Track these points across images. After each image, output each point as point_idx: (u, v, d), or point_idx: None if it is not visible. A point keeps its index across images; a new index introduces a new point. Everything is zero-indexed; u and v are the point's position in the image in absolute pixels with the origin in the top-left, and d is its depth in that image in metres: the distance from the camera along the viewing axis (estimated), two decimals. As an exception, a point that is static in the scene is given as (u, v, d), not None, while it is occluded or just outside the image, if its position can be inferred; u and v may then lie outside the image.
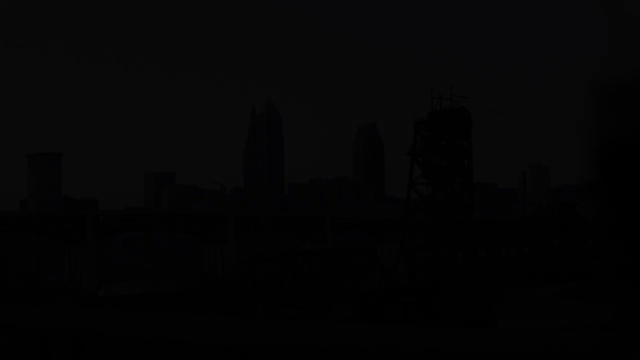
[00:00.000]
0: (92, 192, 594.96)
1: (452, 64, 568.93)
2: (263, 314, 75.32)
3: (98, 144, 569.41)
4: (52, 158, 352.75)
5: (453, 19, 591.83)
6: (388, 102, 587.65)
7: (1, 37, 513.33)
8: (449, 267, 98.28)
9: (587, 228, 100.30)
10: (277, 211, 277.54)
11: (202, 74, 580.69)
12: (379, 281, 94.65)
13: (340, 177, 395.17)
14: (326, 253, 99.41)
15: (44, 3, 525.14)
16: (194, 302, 77.70)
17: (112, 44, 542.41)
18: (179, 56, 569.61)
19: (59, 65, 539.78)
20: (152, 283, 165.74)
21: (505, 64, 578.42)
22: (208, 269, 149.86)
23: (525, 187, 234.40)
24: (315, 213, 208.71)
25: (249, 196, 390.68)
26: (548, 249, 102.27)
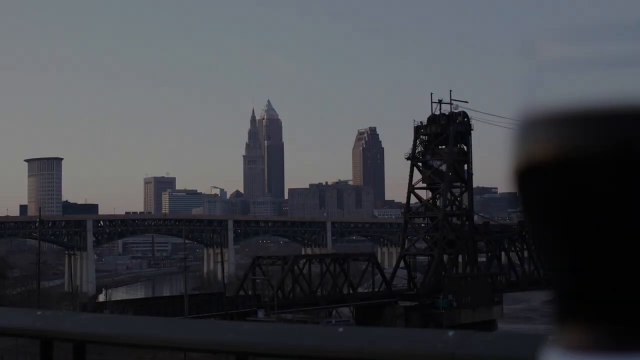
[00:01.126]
0: (92, 197, 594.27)
1: (452, 67, 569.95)
2: (263, 318, 75.26)
3: (98, 148, 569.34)
4: (52, 162, 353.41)
5: (454, 21, 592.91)
6: (388, 106, 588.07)
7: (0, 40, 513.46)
8: (448, 272, 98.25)
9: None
10: (277, 216, 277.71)
11: (200, 77, 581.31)
12: (379, 286, 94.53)
13: (340, 182, 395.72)
14: (326, 257, 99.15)
15: (42, 6, 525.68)
16: (194, 306, 77.50)
17: (111, 47, 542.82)
18: (177, 60, 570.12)
19: (58, 69, 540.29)
20: (152, 288, 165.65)
21: (506, 66, 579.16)
22: (208, 273, 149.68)
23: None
24: (315, 217, 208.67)
25: (249, 200, 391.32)
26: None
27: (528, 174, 0.63)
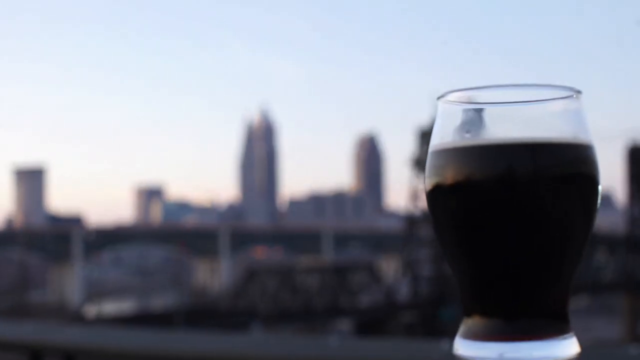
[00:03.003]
0: (80, 207, 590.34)
1: (455, 69, 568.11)
2: (259, 331, 71.40)
3: (85, 157, 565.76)
4: (38, 173, 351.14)
5: (455, 22, 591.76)
6: (388, 110, 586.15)
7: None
8: (452, 282, 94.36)
9: (597, 242, 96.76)
10: (273, 225, 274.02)
11: (192, 82, 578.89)
12: (379, 297, 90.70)
13: (339, 189, 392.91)
14: (324, 268, 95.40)
15: (26, 4, 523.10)
16: (186, 319, 74.00)
17: (100, 53, 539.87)
18: (169, 65, 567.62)
19: (46, 76, 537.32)
20: (142, 300, 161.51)
21: (510, 66, 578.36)
22: (201, 285, 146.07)
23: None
24: (313, 227, 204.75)
25: (244, 209, 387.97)
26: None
27: (436, 193, 0.84)
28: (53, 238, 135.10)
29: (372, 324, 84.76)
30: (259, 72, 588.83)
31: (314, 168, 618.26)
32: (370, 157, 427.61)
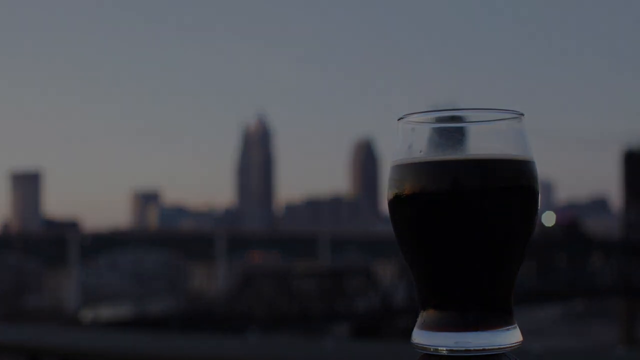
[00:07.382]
0: (76, 212, 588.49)
1: (451, 72, 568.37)
2: (255, 336, 70.98)
3: (81, 161, 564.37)
4: (34, 178, 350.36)
5: (452, 25, 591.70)
6: (384, 115, 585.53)
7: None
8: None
9: (593, 246, 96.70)
10: (270, 229, 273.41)
11: (187, 86, 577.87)
12: (376, 302, 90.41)
13: (336, 194, 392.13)
14: (321, 273, 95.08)
15: (22, 6, 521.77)
16: (182, 324, 73.42)
17: (96, 57, 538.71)
18: (165, 70, 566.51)
19: (42, 81, 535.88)
20: (138, 305, 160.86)
21: (508, 72, 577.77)
22: (197, 290, 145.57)
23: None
24: (309, 231, 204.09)
25: (240, 214, 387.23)
26: (551, 268, 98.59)
27: (396, 203, 0.97)
28: (49, 243, 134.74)
29: (368, 328, 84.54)
30: (256, 77, 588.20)
31: (310, 173, 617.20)
32: (366, 162, 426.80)
